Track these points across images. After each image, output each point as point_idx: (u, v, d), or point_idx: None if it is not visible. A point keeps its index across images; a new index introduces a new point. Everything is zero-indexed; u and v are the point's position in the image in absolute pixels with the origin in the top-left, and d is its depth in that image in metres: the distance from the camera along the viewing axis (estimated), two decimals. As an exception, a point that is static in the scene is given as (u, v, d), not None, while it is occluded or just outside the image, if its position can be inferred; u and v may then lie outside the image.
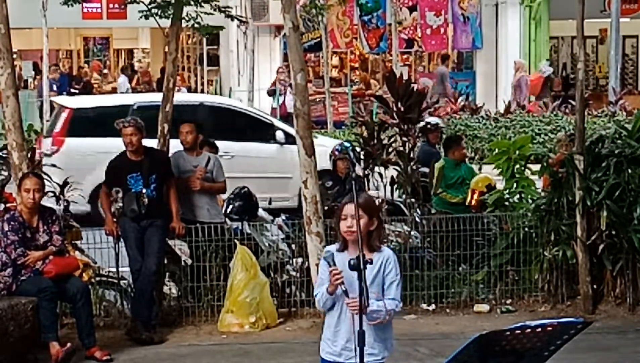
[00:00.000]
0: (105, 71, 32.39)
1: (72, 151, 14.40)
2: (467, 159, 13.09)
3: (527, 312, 10.33)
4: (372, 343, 5.54)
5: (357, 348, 5.34)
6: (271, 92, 23.96)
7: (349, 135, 19.63)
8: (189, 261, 9.98)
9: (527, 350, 4.80)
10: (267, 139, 15.74)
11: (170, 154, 10.17)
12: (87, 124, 15.16)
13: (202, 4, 10.67)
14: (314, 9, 22.68)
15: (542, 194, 10.93)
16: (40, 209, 9.02)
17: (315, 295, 5.67)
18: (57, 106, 16.51)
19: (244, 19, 14.73)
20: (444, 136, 13.62)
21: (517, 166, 11.42)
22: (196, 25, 10.77)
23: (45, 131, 17.09)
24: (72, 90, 26.18)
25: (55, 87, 24.54)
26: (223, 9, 10.97)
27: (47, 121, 21.88)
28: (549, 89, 26.27)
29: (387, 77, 12.66)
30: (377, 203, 5.64)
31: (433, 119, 13.71)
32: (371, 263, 5.49)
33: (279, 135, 15.67)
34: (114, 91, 30.27)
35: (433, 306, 10.46)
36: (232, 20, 11.36)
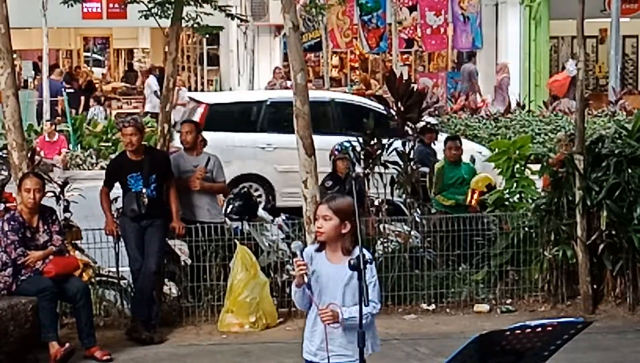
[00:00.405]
0: (104, 70, 32.37)
1: (208, 145, 14.63)
2: (468, 159, 13.03)
3: (527, 312, 10.33)
4: (346, 344, 5.50)
5: (352, 352, 5.35)
6: None
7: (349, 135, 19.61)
8: (189, 261, 9.98)
9: (527, 350, 4.80)
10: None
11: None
12: (222, 119, 15.52)
13: (202, 4, 10.67)
14: (314, 9, 22.67)
15: (542, 194, 10.93)
16: (40, 209, 9.02)
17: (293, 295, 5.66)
18: (192, 102, 16.98)
19: (244, 18, 14.71)
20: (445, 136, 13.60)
21: (517, 166, 11.43)
22: (196, 25, 10.77)
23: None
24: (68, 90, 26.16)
25: (62, 90, 24.52)
26: (223, 8, 10.97)
27: (47, 120, 21.92)
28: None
29: (387, 77, 12.67)
30: (352, 207, 5.50)
31: (429, 119, 13.72)
32: (371, 263, 5.48)
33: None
34: (114, 90, 30.32)
35: (433, 306, 10.46)
36: (232, 19, 11.36)
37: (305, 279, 5.44)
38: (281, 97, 15.63)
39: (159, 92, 24.97)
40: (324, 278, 5.51)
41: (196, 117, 15.50)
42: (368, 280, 5.38)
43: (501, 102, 24.78)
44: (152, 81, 25.65)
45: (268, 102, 15.81)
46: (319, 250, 5.58)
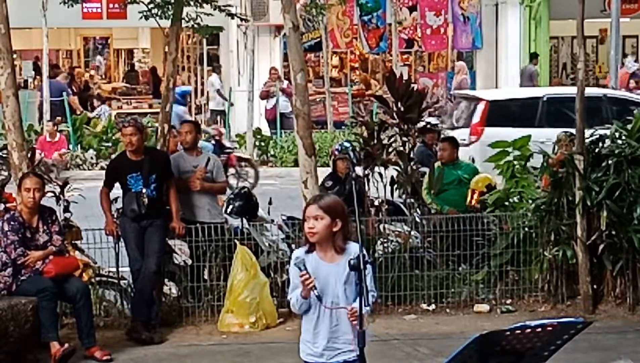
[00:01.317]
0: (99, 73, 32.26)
1: (489, 141, 14.73)
2: (469, 159, 13.01)
3: (527, 312, 10.33)
4: (351, 340, 5.52)
5: (354, 347, 5.39)
6: (264, 95, 24.02)
7: (349, 135, 19.63)
8: (189, 261, 9.97)
9: (527, 350, 4.80)
10: None
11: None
12: (501, 115, 16.37)
13: (202, 4, 10.67)
14: (314, 9, 22.67)
15: (542, 194, 10.92)
16: (40, 210, 9.02)
17: (289, 300, 5.65)
18: (471, 99, 17.73)
19: (244, 17, 14.70)
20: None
21: (517, 166, 11.42)
22: (196, 26, 10.77)
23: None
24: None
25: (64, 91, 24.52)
26: (223, 8, 10.97)
27: (49, 120, 21.89)
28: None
29: (387, 77, 12.65)
30: (341, 204, 5.58)
31: (431, 119, 13.70)
32: (371, 263, 5.50)
33: None
34: (114, 90, 30.31)
35: (433, 306, 10.46)
36: (233, 18, 11.37)
37: (314, 292, 5.45)
38: (557, 93, 17.09)
39: (222, 90, 25.16)
40: (322, 279, 5.50)
41: (478, 114, 16.60)
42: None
43: None
44: (214, 79, 25.78)
45: (544, 98, 16.79)
46: (308, 251, 5.55)
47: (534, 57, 26.79)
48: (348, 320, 5.46)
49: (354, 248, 5.55)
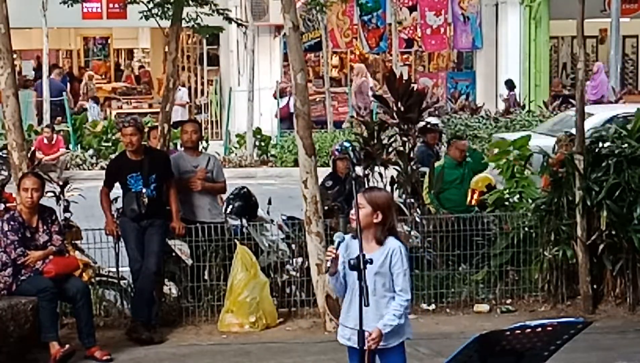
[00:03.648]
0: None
1: None
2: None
3: (527, 312, 10.33)
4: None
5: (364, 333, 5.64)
6: (280, 92, 23.96)
7: (349, 135, 19.63)
8: (189, 262, 9.97)
9: (527, 350, 4.81)
10: None
11: None
12: None
13: (202, 4, 10.66)
14: (314, 9, 22.67)
15: (542, 194, 10.93)
16: (40, 210, 9.02)
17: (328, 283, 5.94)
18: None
19: (242, 22, 14.68)
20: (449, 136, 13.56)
21: (517, 166, 11.42)
22: (196, 26, 10.77)
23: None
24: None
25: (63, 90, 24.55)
26: (222, 11, 10.95)
27: (47, 125, 21.87)
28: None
29: (387, 77, 12.65)
30: (387, 199, 5.94)
31: (432, 120, 13.69)
32: (371, 263, 5.63)
33: None
34: (114, 90, 30.31)
35: (433, 306, 10.46)
36: (230, 23, 11.35)
37: (339, 267, 5.71)
38: None
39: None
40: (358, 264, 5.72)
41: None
42: (397, 270, 5.80)
43: (368, 106, 24.70)
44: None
45: None
46: (354, 237, 5.80)
47: (511, 85, 26.53)
48: (375, 313, 5.75)
49: (393, 244, 5.84)
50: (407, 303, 5.87)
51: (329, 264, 5.73)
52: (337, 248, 5.71)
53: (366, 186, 10.98)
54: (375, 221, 5.82)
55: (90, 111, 25.82)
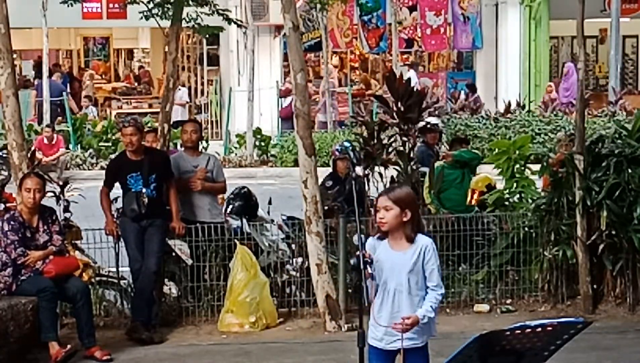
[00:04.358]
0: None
1: None
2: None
3: (527, 312, 10.33)
4: (413, 330, 5.84)
5: (412, 336, 5.82)
6: (286, 93, 23.96)
7: (349, 135, 19.63)
8: (189, 262, 9.97)
9: (527, 350, 4.81)
10: None
11: None
12: None
13: (202, 5, 10.66)
14: (313, 9, 22.66)
15: (542, 194, 10.93)
16: (40, 210, 9.02)
17: None
18: None
19: (242, 23, 14.68)
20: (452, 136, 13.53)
21: (517, 166, 11.42)
22: (196, 26, 10.76)
23: None
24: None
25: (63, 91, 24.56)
26: (222, 12, 10.95)
27: (48, 125, 21.88)
28: None
29: (387, 77, 12.64)
30: (412, 196, 5.97)
31: (432, 120, 13.67)
32: (371, 263, 5.65)
33: None
34: (114, 90, 30.31)
35: (433, 306, 10.44)
36: (230, 24, 11.34)
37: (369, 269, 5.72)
38: None
39: (417, 87, 25.15)
40: (388, 264, 5.79)
41: None
42: (431, 266, 5.82)
43: (323, 112, 24.69)
44: (412, 74, 25.94)
45: None
46: (380, 239, 5.84)
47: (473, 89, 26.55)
48: (408, 312, 5.80)
49: (424, 240, 5.87)
50: (442, 297, 5.92)
51: (370, 269, 5.71)
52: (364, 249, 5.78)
53: (366, 186, 10.99)
54: (404, 219, 5.80)
55: (87, 110, 25.80)
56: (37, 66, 27.49)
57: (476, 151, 12.50)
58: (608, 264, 10.18)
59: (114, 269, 10.01)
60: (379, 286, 5.85)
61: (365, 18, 26.69)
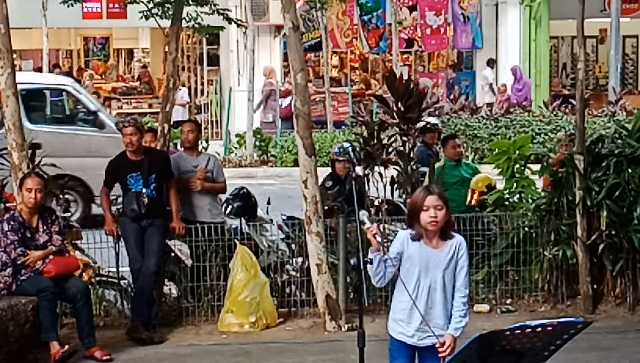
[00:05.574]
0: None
1: None
2: (469, 159, 13.01)
3: (527, 312, 10.33)
4: (442, 325, 5.83)
5: (430, 329, 5.75)
6: (286, 93, 23.96)
7: (349, 135, 19.63)
8: (189, 262, 9.96)
9: (527, 350, 4.81)
10: None
11: None
12: None
13: (202, 4, 10.66)
14: (313, 9, 22.67)
15: (542, 194, 10.93)
16: (40, 210, 9.02)
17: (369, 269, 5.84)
18: None
19: (242, 22, 14.68)
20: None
21: (517, 166, 11.42)
22: (196, 25, 10.76)
23: None
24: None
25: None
26: (222, 12, 10.96)
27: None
28: None
29: (387, 77, 12.64)
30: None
31: (432, 119, 13.67)
32: (371, 262, 5.66)
33: None
34: (113, 90, 30.32)
35: (433, 306, 10.44)
36: (230, 23, 11.34)
37: (380, 240, 5.69)
38: None
39: (494, 85, 25.16)
40: (424, 262, 5.79)
41: None
42: (462, 263, 5.82)
43: (270, 113, 24.57)
44: (488, 72, 26.00)
45: None
46: (415, 239, 5.82)
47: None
48: (442, 309, 5.81)
49: (458, 237, 5.91)
50: (467, 299, 5.89)
51: (379, 238, 5.70)
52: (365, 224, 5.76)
53: (366, 186, 10.99)
54: (447, 219, 5.84)
55: None
56: (39, 68, 27.50)
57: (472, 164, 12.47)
58: (608, 264, 10.18)
59: (114, 269, 10.00)
60: (397, 276, 5.83)
61: (365, 18, 26.70)
